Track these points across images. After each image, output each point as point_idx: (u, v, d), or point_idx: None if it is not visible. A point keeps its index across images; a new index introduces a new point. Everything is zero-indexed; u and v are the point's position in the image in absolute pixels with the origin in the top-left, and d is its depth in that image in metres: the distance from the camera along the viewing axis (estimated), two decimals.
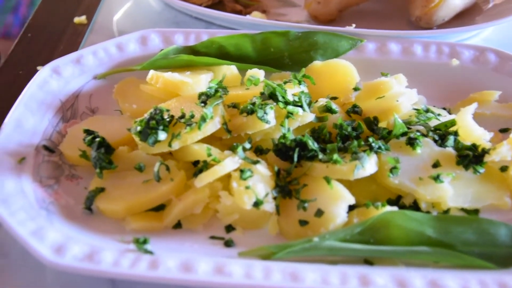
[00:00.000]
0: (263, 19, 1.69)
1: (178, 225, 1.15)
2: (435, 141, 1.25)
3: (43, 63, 1.59)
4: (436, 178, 1.15)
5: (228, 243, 1.12)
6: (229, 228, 1.16)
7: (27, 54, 1.64)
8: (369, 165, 1.15)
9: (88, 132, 1.24)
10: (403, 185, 1.16)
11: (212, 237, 1.14)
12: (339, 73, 1.41)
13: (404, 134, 1.25)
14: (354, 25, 1.59)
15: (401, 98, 1.28)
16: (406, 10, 1.77)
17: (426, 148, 1.23)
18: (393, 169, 1.17)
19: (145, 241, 1.09)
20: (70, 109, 1.36)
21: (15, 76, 1.55)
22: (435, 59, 1.50)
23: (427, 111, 1.32)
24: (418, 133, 1.24)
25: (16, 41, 1.68)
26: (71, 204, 1.18)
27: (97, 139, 1.21)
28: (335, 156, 1.15)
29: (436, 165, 1.19)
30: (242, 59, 1.47)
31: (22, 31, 1.72)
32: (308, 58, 1.47)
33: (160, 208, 1.17)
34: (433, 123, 1.30)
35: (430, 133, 1.27)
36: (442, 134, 1.27)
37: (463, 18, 1.74)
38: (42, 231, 1.05)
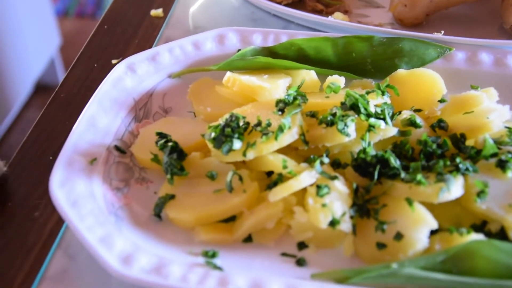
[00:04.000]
0: (345, 20, 1.61)
1: (248, 239, 1.10)
2: None
3: (117, 57, 1.57)
4: None
5: (300, 262, 1.07)
6: (302, 246, 1.10)
7: (102, 46, 1.62)
8: (455, 188, 1.06)
9: (161, 135, 1.20)
10: (490, 212, 1.07)
11: (284, 254, 1.08)
12: (425, 84, 1.32)
13: (494, 155, 1.15)
14: (442, 32, 1.49)
15: (492, 115, 1.19)
16: (498, 16, 1.65)
17: None
18: (480, 193, 1.08)
19: (214, 255, 1.05)
20: (143, 108, 1.32)
21: (90, 70, 1.53)
22: None
23: None
24: (510, 155, 1.15)
25: (92, 33, 1.67)
26: (140, 210, 1.14)
27: (170, 144, 1.16)
28: (419, 176, 1.07)
29: None
30: (321, 63, 1.40)
31: (99, 23, 1.71)
32: (392, 65, 1.39)
33: (230, 219, 1.12)
34: None
35: None
36: None
37: None
38: (110, 239, 1.02)
